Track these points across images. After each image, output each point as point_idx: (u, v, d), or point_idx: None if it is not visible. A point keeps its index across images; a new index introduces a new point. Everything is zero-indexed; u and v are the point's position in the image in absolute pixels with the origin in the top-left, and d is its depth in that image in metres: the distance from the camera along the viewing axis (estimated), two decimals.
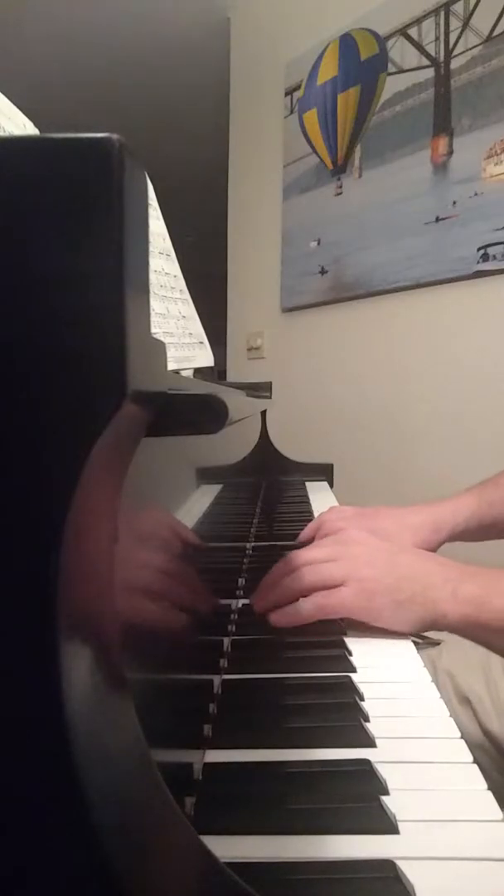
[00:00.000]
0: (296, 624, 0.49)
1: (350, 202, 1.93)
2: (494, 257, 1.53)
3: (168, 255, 0.62)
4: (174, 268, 0.63)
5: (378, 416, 1.87)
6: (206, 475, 0.51)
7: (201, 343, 0.66)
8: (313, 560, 0.53)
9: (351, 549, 0.54)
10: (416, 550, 0.56)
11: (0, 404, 0.16)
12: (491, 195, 1.54)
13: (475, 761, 0.35)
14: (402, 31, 1.75)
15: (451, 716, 0.40)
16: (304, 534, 0.78)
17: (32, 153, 0.16)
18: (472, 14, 1.59)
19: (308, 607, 0.49)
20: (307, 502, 1.10)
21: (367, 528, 0.71)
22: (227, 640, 0.50)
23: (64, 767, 0.17)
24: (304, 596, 0.51)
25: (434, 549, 0.69)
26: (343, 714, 0.40)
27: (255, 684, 0.44)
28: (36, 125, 0.45)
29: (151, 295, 0.34)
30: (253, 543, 0.82)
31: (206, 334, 0.68)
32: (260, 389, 1.27)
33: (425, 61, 1.70)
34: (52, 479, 0.16)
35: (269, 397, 1.36)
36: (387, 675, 0.45)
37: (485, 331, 1.59)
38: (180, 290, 0.64)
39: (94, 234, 0.16)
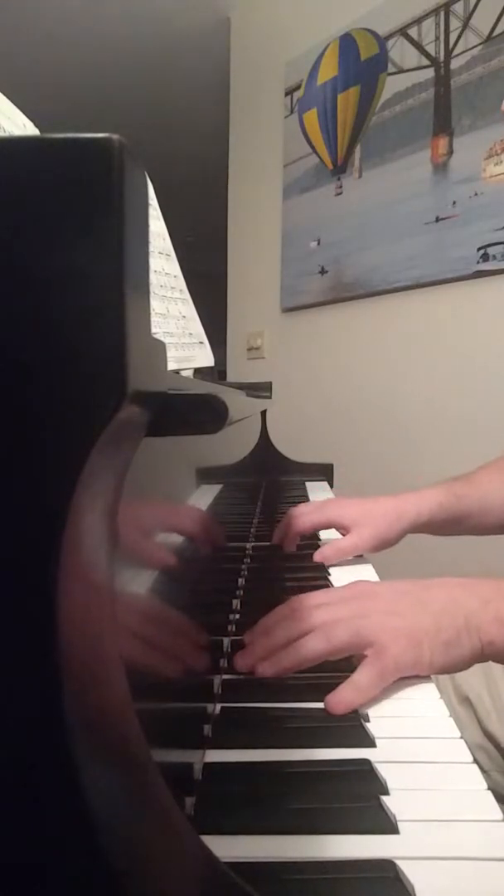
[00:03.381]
0: (360, 704, 0.41)
1: (350, 202, 1.92)
2: (494, 257, 1.53)
3: (168, 255, 0.62)
4: (174, 268, 0.63)
5: (378, 415, 1.87)
6: (206, 475, 0.51)
7: (201, 343, 0.66)
8: (334, 619, 0.45)
9: (369, 603, 0.47)
10: (435, 581, 0.48)
11: (0, 404, 0.16)
12: (491, 195, 1.54)
13: (475, 761, 0.35)
14: (402, 31, 1.75)
15: (451, 716, 0.40)
16: (276, 533, 0.78)
17: (32, 153, 0.16)
18: (472, 14, 1.59)
19: (365, 680, 0.42)
20: (307, 502, 1.10)
21: (335, 515, 0.72)
22: (226, 641, 0.50)
23: (64, 768, 0.17)
24: (322, 657, 0.44)
25: (396, 538, 0.70)
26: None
27: (256, 684, 0.44)
28: (36, 125, 0.45)
29: (151, 295, 0.34)
30: (253, 543, 0.82)
31: (206, 334, 0.68)
32: (260, 389, 1.27)
33: (425, 61, 1.70)
34: (53, 479, 0.16)
35: (269, 397, 1.36)
36: None
37: (485, 331, 1.59)
38: (180, 290, 0.64)
39: (94, 234, 0.16)
